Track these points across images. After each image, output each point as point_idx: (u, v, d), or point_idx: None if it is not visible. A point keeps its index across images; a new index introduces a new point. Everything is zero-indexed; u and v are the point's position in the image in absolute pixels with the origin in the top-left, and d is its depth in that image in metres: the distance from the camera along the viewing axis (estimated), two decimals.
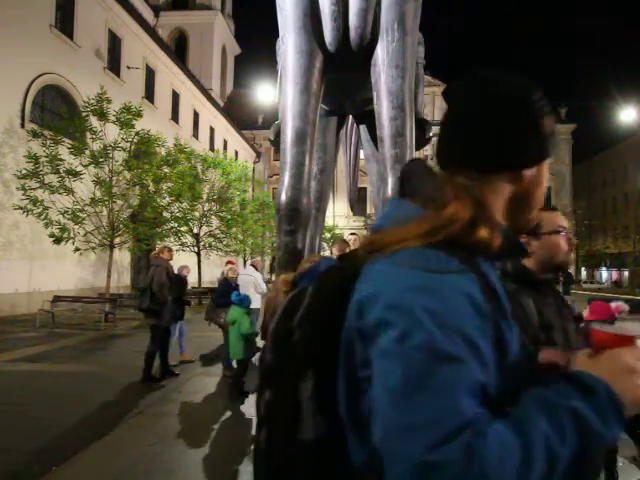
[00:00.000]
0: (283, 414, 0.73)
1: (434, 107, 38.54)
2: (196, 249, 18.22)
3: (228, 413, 4.79)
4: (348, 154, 6.72)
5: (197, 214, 17.76)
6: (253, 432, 3.58)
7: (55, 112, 15.03)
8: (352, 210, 14.41)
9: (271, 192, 31.74)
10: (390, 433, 0.54)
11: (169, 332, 6.50)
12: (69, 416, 4.56)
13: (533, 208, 0.80)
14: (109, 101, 12.95)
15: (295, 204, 3.54)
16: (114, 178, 12.86)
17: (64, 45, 15.63)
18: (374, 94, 3.69)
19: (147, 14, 32.88)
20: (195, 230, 17.98)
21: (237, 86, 45.22)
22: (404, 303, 0.59)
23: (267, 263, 24.80)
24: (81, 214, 12.16)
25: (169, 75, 23.28)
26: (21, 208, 11.49)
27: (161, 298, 6.04)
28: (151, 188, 13.94)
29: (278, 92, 4.60)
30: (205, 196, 18.18)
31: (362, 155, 5.74)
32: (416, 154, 4.03)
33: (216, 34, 39.09)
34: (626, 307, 3.03)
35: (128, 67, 19.44)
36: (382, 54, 3.58)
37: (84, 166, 12.48)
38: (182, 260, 20.05)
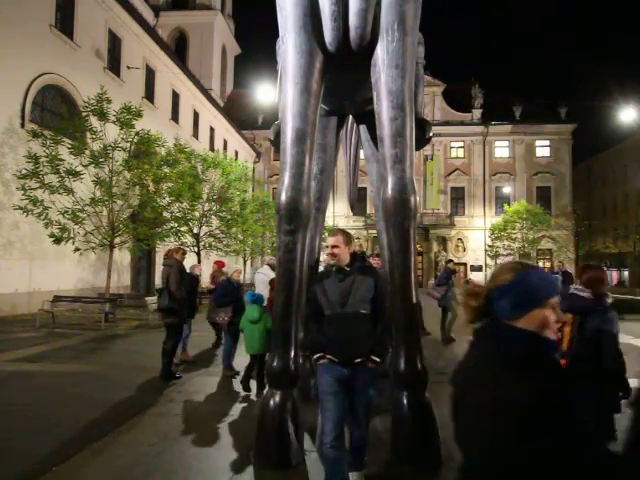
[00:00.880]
0: None
1: (434, 107, 38.53)
2: (196, 249, 18.21)
3: (228, 413, 4.80)
4: (348, 154, 6.72)
5: (197, 214, 17.74)
6: (253, 432, 3.58)
7: (55, 112, 15.04)
8: (352, 210, 14.40)
9: (271, 192, 31.75)
10: None
11: (181, 331, 6.66)
12: (69, 416, 4.56)
13: None
14: (109, 101, 12.95)
15: (295, 204, 3.53)
16: (114, 178, 12.86)
17: (64, 45, 15.63)
18: (374, 94, 3.69)
19: (147, 14, 32.88)
20: (195, 230, 17.96)
21: (237, 86, 45.24)
22: None
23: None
24: (81, 214, 12.17)
25: (169, 75, 23.28)
26: (21, 208, 11.49)
27: (178, 297, 6.27)
28: (151, 188, 13.94)
29: (278, 92, 4.60)
30: (205, 196, 18.16)
31: (362, 155, 5.74)
32: (416, 154, 4.03)
33: (216, 34, 39.10)
34: None
35: (128, 67, 19.44)
36: (382, 54, 3.58)
37: (84, 166, 12.48)
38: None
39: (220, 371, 6.53)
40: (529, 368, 1.10)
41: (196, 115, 27.14)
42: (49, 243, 12.07)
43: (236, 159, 25.12)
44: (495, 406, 1.07)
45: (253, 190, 27.41)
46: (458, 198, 38.95)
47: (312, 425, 3.47)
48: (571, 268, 27.79)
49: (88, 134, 12.84)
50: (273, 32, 4.19)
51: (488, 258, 35.76)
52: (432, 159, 38.36)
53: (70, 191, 12.14)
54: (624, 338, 8.87)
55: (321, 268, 7.14)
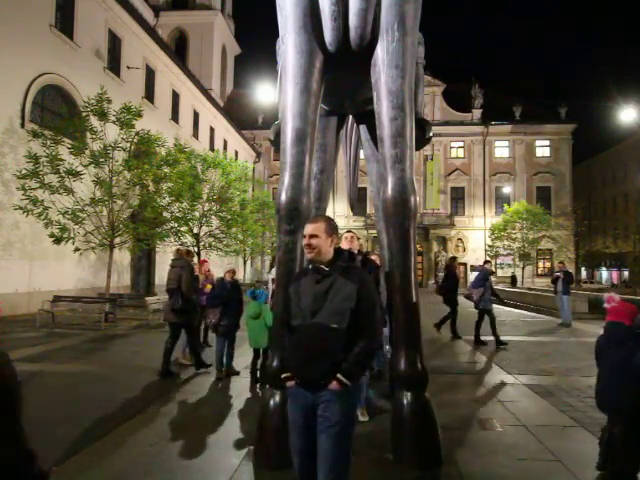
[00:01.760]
0: None
1: (434, 107, 38.55)
2: (196, 249, 18.21)
3: (228, 413, 4.79)
4: (348, 154, 6.72)
5: (197, 214, 17.74)
6: (253, 432, 3.58)
7: (55, 112, 15.04)
8: (352, 210, 14.43)
9: (271, 192, 31.76)
10: None
11: (198, 330, 6.77)
12: (69, 416, 4.56)
13: None
14: (109, 101, 12.95)
15: (295, 204, 3.53)
16: (114, 178, 12.86)
17: (64, 45, 15.63)
18: (374, 94, 3.69)
19: (147, 14, 32.88)
20: (195, 230, 17.96)
21: (237, 86, 45.26)
22: None
23: (267, 263, 24.72)
24: (81, 214, 12.16)
25: (169, 75, 23.28)
26: (21, 208, 11.49)
27: (190, 297, 6.44)
28: (151, 188, 13.93)
29: (278, 92, 4.60)
30: (205, 196, 18.16)
31: (362, 155, 5.74)
32: (416, 154, 4.03)
33: (216, 34, 39.11)
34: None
35: (128, 67, 19.44)
36: (382, 54, 3.58)
37: (84, 166, 12.48)
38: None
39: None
40: None
41: (196, 115, 27.14)
42: (49, 243, 12.07)
43: (236, 159, 25.13)
44: None
45: (253, 190, 27.41)
46: (458, 198, 38.97)
47: None
48: (571, 268, 27.78)
49: (88, 134, 12.84)
50: (273, 32, 4.19)
51: (488, 258, 35.77)
52: (432, 159, 38.37)
53: (70, 191, 12.13)
54: None
55: None
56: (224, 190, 19.14)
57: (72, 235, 12.00)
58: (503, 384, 6.02)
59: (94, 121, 12.91)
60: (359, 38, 3.61)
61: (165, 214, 15.19)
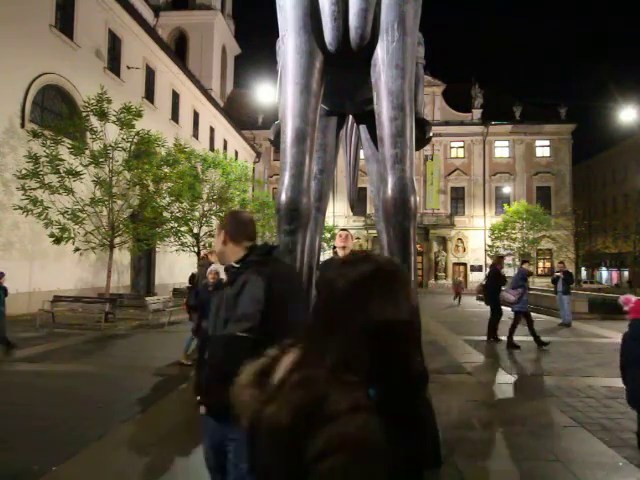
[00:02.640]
0: None
1: (434, 107, 38.55)
2: (196, 249, 18.21)
3: None
4: (348, 154, 6.72)
5: (197, 214, 17.75)
6: None
7: (55, 112, 15.04)
8: (352, 210, 14.41)
9: (271, 192, 31.74)
10: None
11: None
12: (69, 416, 4.56)
13: None
14: (109, 101, 12.95)
15: (295, 204, 3.53)
16: (114, 178, 12.86)
17: (64, 45, 15.63)
18: (374, 94, 3.69)
19: (147, 14, 32.87)
20: (195, 230, 17.97)
21: (237, 86, 45.25)
22: None
23: None
24: (81, 214, 12.17)
25: (169, 75, 23.28)
26: (21, 208, 11.49)
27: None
28: (151, 188, 13.94)
29: (278, 92, 4.60)
30: (205, 196, 18.17)
31: (362, 155, 5.74)
32: (416, 154, 4.03)
33: (216, 34, 39.10)
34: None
35: (128, 67, 19.44)
36: (382, 54, 3.58)
37: (84, 166, 12.48)
38: (182, 260, 20.12)
39: None
40: None
41: (196, 115, 27.14)
42: (49, 243, 12.07)
43: (236, 159, 25.13)
44: None
45: (253, 190, 27.41)
46: (458, 198, 38.96)
47: None
48: (571, 268, 27.79)
49: (88, 134, 12.85)
50: (273, 32, 4.19)
51: (488, 258, 35.75)
52: (432, 159, 38.36)
53: (70, 191, 12.13)
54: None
55: None
56: (224, 190, 19.15)
57: (72, 235, 12.00)
58: (503, 384, 6.02)
59: (94, 121, 12.91)
60: (359, 38, 3.62)
61: (165, 214, 15.19)
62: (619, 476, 3.32)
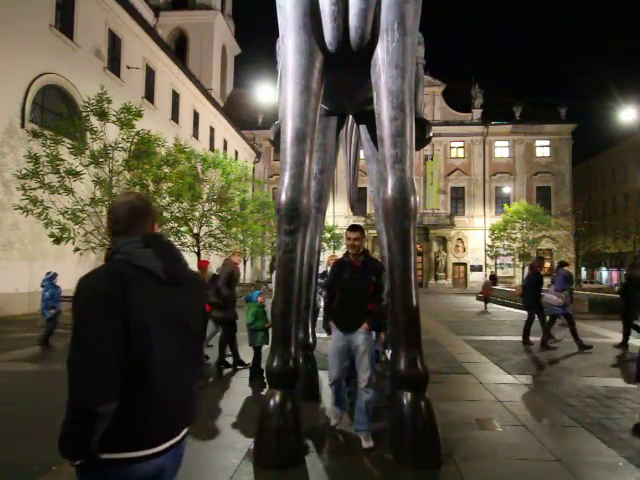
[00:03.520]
0: None
1: (434, 107, 38.55)
2: (196, 249, 18.21)
3: (228, 412, 4.79)
4: (348, 154, 6.72)
5: (197, 214, 17.74)
6: (253, 432, 3.58)
7: (55, 112, 15.03)
8: (352, 210, 14.42)
9: (271, 192, 31.76)
10: None
11: (235, 326, 6.84)
12: None
13: None
14: (109, 101, 12.95)
15: (295, 204, 3.53)
16: (114, 178, 12.85)
17: (64, 45, 15.63)
18: (374, 94, 3.69)
19: (147, 14, 32.88)
20: (195, 230, 17.96)
21: (237, 86, 45.25)
22: None
23: (267, 263, 24.71)
24: (81, 214, 12.16)
25: (169, 75, 23.28)
26: (21, 208, 11.48)
27: (224, 294, 6.66)
28: (151, 188, 13.93)
29: (278, 92, 4.60)
30: (205, 196, 18.16)
31: (362, 155, 5.74)
32: (416, 154, 4.03)
33: (216, 34, 39.11)
34: None
35: (128, 67, 19.44)
36: (382, 54, 3.58)
37: (84, 166, 12.47)
38: None
39: (221, 370, 6.53)
40: None
41: (196, 115, 27.14)
42: (49, 243, 12.06)
43: (236, 159, 25.12)
44: None
45: (253, 190, 27.41)
46: (458, 198, 38.97)
47: (312, 425, 3.47)
48: (571, 268, 27.77)
49: (88, 134, 12.83)
50: (273, 32, 4.19)
51: (488, 258, 35.76)
52: (432, 159, 38.37)
53: (70, 191, 12.12)
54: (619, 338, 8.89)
55: (322, 268, 7.16)
56: (224, 190, 19.14)
57: (72, 235, 11.99)
58: (503, 384, 6.02)
59: (94, 121, 12.90)
60: (359, 38, 3.61)
61: (165, 214, 15.18)
62: (619, 476, 3.32)
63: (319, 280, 6.22)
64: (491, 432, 4.18)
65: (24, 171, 11.60)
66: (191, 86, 26.05)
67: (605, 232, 40.16)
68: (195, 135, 26.69)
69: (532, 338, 9.00)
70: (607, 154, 46.30)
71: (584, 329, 11.67)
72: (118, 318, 1.33)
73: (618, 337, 9.32)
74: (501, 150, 38.88)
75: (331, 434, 4.02)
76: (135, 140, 13.32)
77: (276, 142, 4.48)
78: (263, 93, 19.48)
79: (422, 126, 4.60)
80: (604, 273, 47.01)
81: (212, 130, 29.74)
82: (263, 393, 5.32)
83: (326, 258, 9.19)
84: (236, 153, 32.90)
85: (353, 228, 4.04)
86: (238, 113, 38.59)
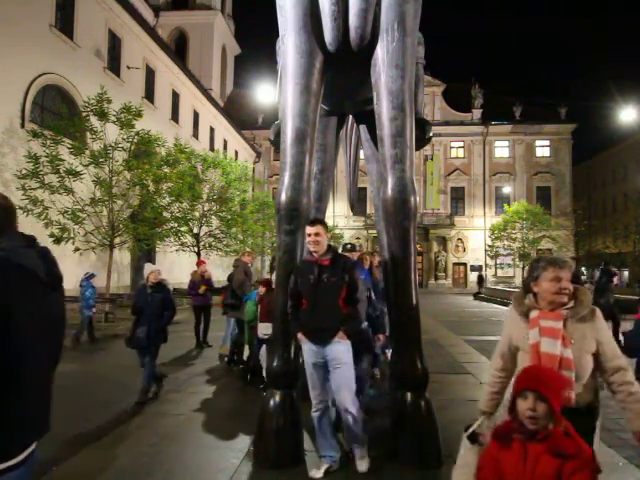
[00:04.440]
0: None
1: (434, 107, 38.54)
2: (196, 249, 18.21)
3: (228, 413, 4.79)
4: (348, 154, 6.72)
5: (197, 214, 17.74)
6: (253, 432, 3.58)
7: (55, 112, 15.03)
8: (352, 210, 14.41)
9: (271, 192, 31.74)
10: None
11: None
12: (69, 416, 4.56)
13: None
14: (109, 101, 12.95)
15: (295, 204, 3.53)
16: (114, 178, 12.86)
17: (64, 45, 15.63)
18: (374, 94, 3.68)
19: (147, 14, 32.87)
20: (195, 230, 17.96)
21: (237, 86, 45.23)
22: None
23: (267, 263, 24.69)
24: (81, 214, 12.16)
25: (169, 75, 23.28)
26: (21, 208, 11.48)
27: (240, 294, 6.67)
28: (151, 188, 13.94)
29: (278, 92, 4.60)
30: (205, 196, 18.16)
31: (362, 155, 5.74)
32: (416, 154, 4.03)
33: (216, 34, 39.09)
34: None
35: (128, 67, 19.44)
36: (382, 54, 3.58)
37: (84, 166, 12.48)
38: (182, 260, 20.10)
39: (219, 371, 6.54)
40: None
41: (196, 115, 27.13)
42: (49, 243, 12.05)
43: (236, 159, 25.13)
44: None
45: (253, 190, 27.41)
46: (458, 198, 38.97)
47: (312, 425, 3.47)
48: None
49: (88, 134, 12.84)
50: (273, 32, 4.19)
51: (488, 258, 35.75)
52: (432, 159, 38.36)
53: (70, 191, 12.13)
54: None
55: None
56: (224, 190, 19.14)
57: (72, 235, 11.99)
58: None
59: (94, 121, 12.91)
60: (359, 38, 3.61)
61: (165, 214, 15.19)
62: (619, 476, 3.32)
63: None
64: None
65: (24, 171, 11.60)
66: (191, 86, 26.05)
67: (605, 232, 40.17)
68: (195, 135, 26.68)
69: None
70: (607, 154, 46.29)
71: None
72: None
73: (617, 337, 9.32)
74: (501, 150, 38.88)
75: None
76: (135, 140, 13.33)
77: (276, 142, 4.48)
78: (263, 93, 19.46)
79: (422, 126, 4.60)
80: None
81: (212, 130, 29.74)
82: (264, 393, 5.34)
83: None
84: (236, 153, 32.89)
85: (312, 222, 3.38)
86: (238, 113, 38.58)
